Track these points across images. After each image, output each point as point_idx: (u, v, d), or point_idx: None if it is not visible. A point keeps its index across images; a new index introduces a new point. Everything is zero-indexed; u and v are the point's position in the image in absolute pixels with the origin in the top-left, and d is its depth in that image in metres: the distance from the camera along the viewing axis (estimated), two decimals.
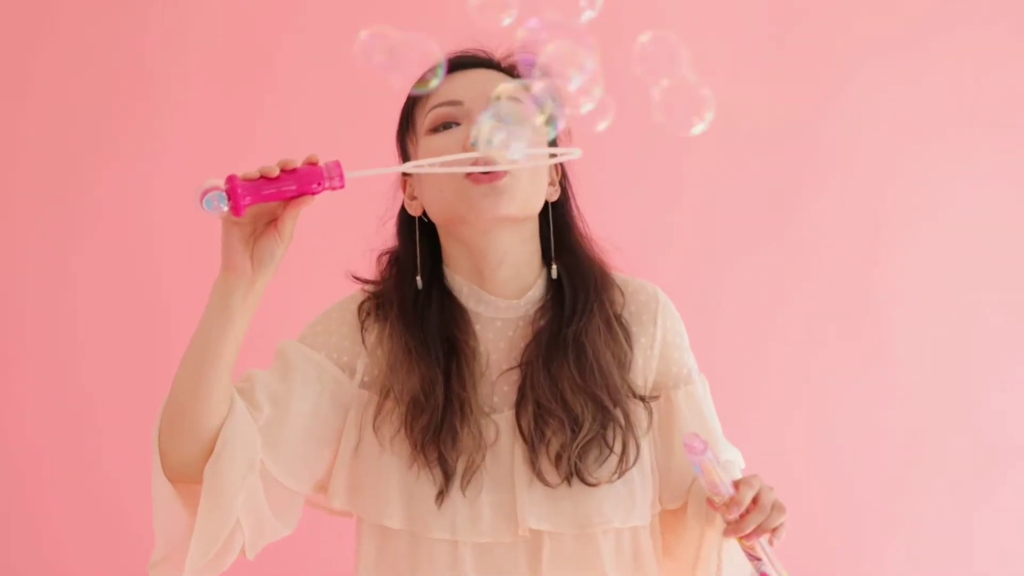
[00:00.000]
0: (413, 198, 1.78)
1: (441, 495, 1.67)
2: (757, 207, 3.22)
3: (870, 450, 3.20)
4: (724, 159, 3.20)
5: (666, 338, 1.79)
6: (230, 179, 1.47)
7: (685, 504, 1.76)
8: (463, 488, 1.67)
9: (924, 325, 3.22)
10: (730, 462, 1.81)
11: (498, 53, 1.79)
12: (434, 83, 1.61)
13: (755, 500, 1.61)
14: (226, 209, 1.46)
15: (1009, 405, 3.22)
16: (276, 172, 1.48)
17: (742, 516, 1.60)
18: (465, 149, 1.63)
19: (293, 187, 1.49)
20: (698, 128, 1.55)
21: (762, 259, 3.20)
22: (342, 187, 1.49)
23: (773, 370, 3.21)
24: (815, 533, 3.13)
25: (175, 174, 3.15)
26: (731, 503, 1.60)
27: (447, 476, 1.66)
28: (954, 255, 3.23)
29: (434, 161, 1.60)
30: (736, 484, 1.61)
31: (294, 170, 1.49)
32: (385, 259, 1.81)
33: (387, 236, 1.83)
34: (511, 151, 1.50)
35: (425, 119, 1.73)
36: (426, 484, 1.68)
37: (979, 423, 3.22)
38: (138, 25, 3.17)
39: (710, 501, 1.63)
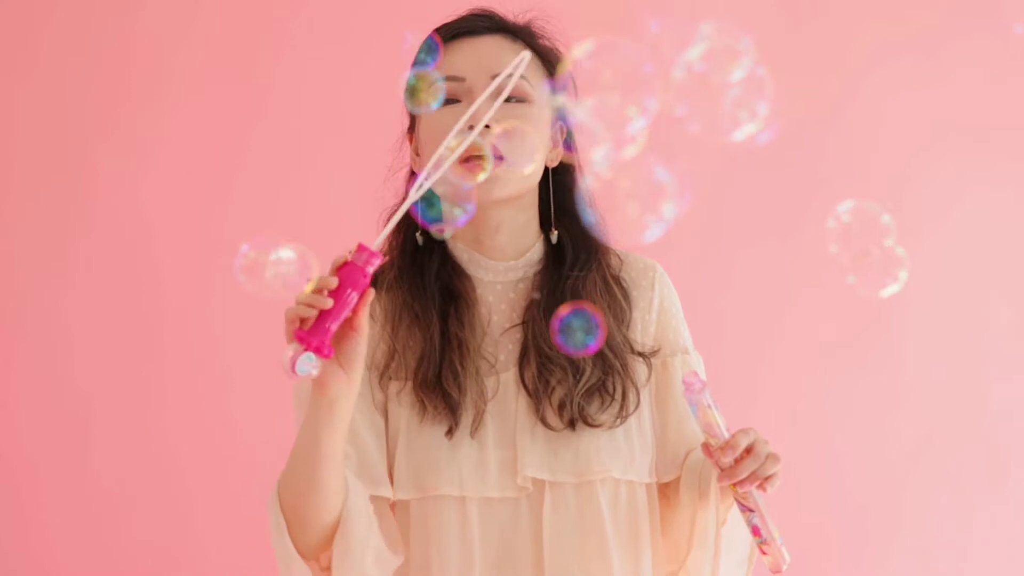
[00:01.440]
0: (418, 154, 1.79)
1: (450, 432, 1.69)
2: (764, 209, 3.22)
3: (876, 452, 3.19)
4: (734, 159, 3.19)
5: (663, 305, 1.83)
6: (301, 338, 1.46)
7: (678, 480, 1.78)
8: (472, 432, 1.70)
9: (932, 327, 3.22)
10: None
11: (513, 18, 1.79)
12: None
13: (749, 449, 1.62)
14: (317, 371, 1.47)
15: (1016, 407, 3.21)
16: (328, 303, 1.47)
17: (736, 462, 1.61)
18: (464, 132, 1.60)
19: (351, 298, 1.48)
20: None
21: (770, 260, 3.21)
22: (381, 259, 1.49)
23: (779, 370, 3.21)
24: (820, 535, 3.12)
25: (170, 173, 3.15)
26: (726, 447, 1.60)
27: (454, 412, 1.69)
28: (962, 257, 3.23)
29: (423, 179, 1.55)
30: (733, 432, 1.62)
31: (340, 285, 1.48)
32: (386, 217, 1.81)
33: (397, 189, 1.83)
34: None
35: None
36: (437, 429, 1.70)
37: (986, 425, 3.21)
38: (131, 21, 3.17)
39: (705, 446, 1.64)
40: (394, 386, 1.74)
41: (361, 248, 1.48)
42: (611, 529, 1.72)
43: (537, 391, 1.71)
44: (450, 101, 1.69)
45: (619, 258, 1.83)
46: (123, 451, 3.11)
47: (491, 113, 1.55)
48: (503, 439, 1.71)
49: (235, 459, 3.09)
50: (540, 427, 1.71)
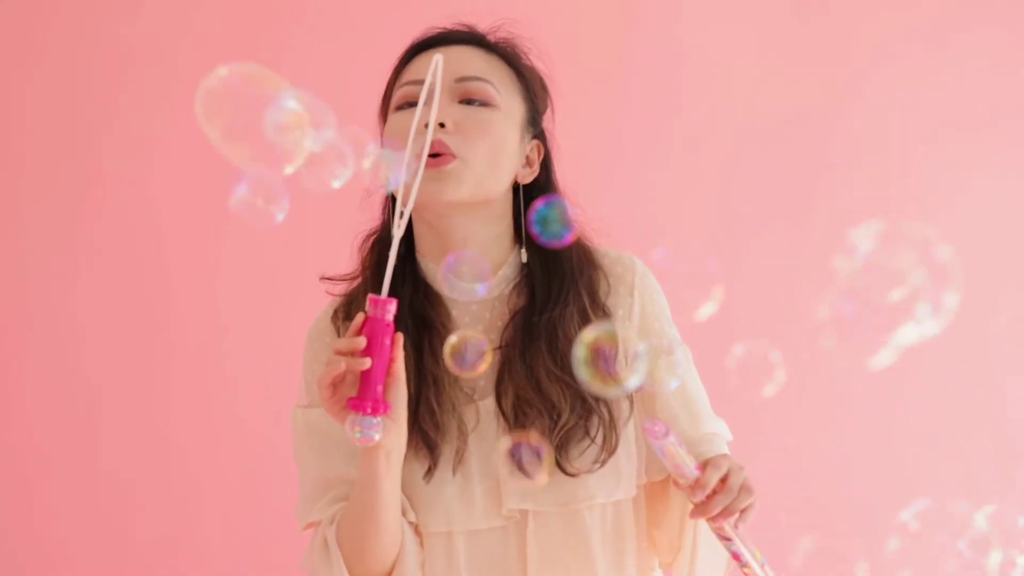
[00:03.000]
0: None
1: (430, 472, 1.67)
2: (769, 202, 3.21)
3: (882, 448, 3.19)
4: (741, 151, 3.20)
5: (644, 309, 1.78)
6: (355, 407, 1.49)
7: (668, 478, 1.75)
8: (453, 470, 1.68)
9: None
10: (715, 435, 1.79)
11: (480, 27, 1.77)
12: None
13: (723, 481, 1.59)
14: (380, 433, 1.50)
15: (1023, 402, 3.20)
16: (367, 363, 1.49)
17: (708, 498, 1.59)
18: (419, 132, 1.58)
19: (384, 349, 1.50)
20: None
21: (776, 251, 3.20)
22: (395, 302, 1.51)
23: (785, 362, 3.18)
24: (825, 531, 3.11)
25: (177, 169, 3.15)
26: (696, 485, 1.58)
27: (431, 450, 1.67)
28: (969, 248, 3.21)
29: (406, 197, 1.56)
30: (703, 465, 1.60)
31: (369, 342, 1.50)
32: (369, 241, 1.80)
33: (374, 215, 1.82)
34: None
35: (394, 96, 1.73)
36: (417, 468, 1.68)
37: (994, 420, 3.20)
38: (137, 18, 3.18)
39: (675, 483, 1.62)
40: None
41: (374, 301, 1.50)
42: (599, 551, 1.71)
43: (517, 420, 1.68)
44: (412, 104, 1.68)
45: (596, 263, 1.77)
46: (130, 445, 3.12)
47: (421, 112, 1.56)
48: (487, 469, 1.69)
49: (241, 453, 3.10)
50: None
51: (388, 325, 1.49)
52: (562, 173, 1.82)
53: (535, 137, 1.77)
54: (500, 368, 1.70)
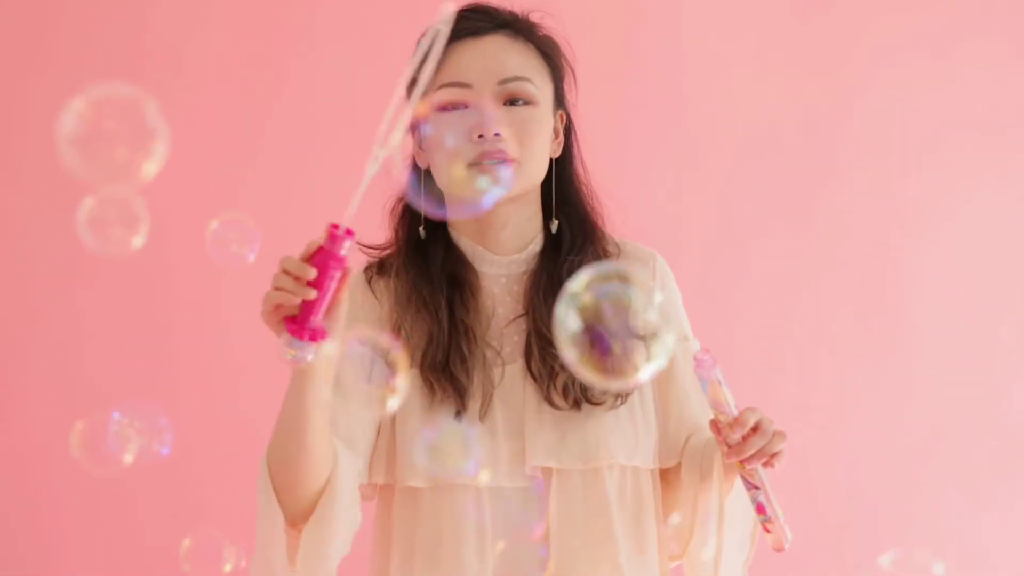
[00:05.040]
0: (422, 149, 1.79)
1: (459, 414, 1.71)
2: (776, 202, 3.21)
3: (887, 446, 3.18)
4: (745, 154, 3.20)
5: (664, 295, 1.84)
6: (291, 329, 1.47)
7: (679, 465, 1.80)
8: (481, 416, 1.71)
9: (942, 322, 3.21)
10: None
11: (515, 11, 1.80)
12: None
13: (756, 426, 1.62)
14: (313, 356, 1.48)
15: None
16: (312, 293, 1.46)
17: (744, 438, 1.61)
18: (470, 141, 1.67)
19: (332, 284, 1.47)
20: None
21: (781, 254, 3.20)
22: (352, 235, 1.46)
23: (790, 365, 3.19)
24: (831, 527, 3.12)
25: (182, 168, 3.12)
26: (735, 423, 1.61)
27: (461, 396, 1.71)
28: (974, 250, 3.23)
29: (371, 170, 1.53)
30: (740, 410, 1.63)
31: (320, 273, 1.46)
32: (399, 206, 1.84)
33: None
34: None
35: (436, 92, 1.74)
36: (446, 413, 1.72)
37: (998, 418, 3.20)
38: (143, 17, 3.18)
39: (714, 423, 1.64)
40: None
41: (332, 230, 1.46)
42: (617, 513, 1.74)
43: (542, 376, 1.73)
44: (457, 106, 1.71)
45: (617, 246, 1.85)
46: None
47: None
48: (512, 428, 1.73)
49: (245, 453, 3.08)
50: (547, 409, 1.73)
51: (341, 260, 1.46)
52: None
53: (558, 108, 1.83)
54: (527, 332, 1.76)
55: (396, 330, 1.77)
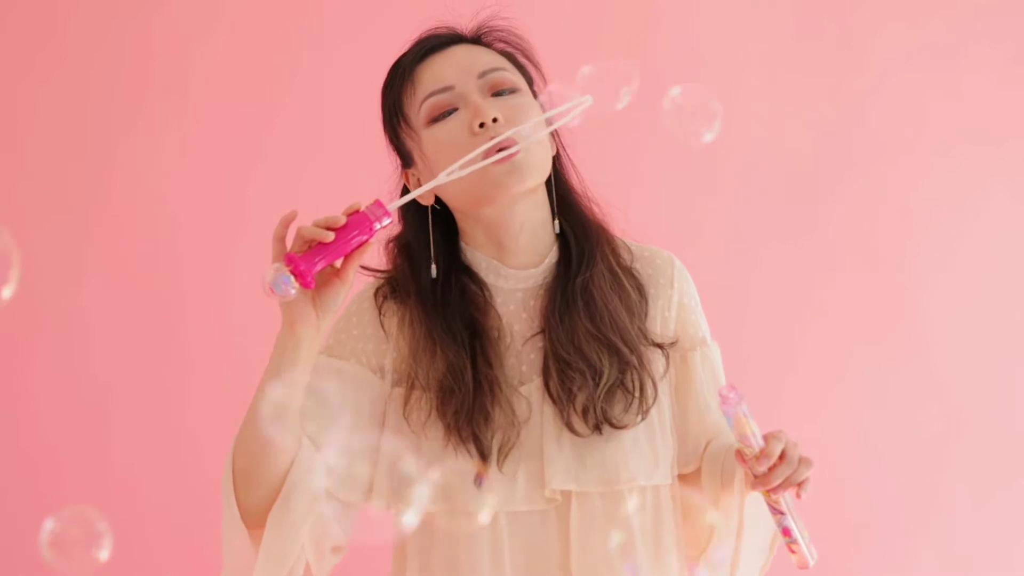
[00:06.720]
0: (421, 181, 1.77)
1: (479, 477, 1.68)
2: (789, 206, 3.21)
3: (902, 447, 3.18)
4: (757, 159, 3.20)
5: (682, 300, 1.82)
6: (290, 259, 1.49)
7: (698, 470, 1.78)
8: (500, 465, 1.69)
9: (954, 325, 3.21)
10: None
11: (468, 25, 1.79)
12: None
13: (782, 455, 1.61)
14: (295, 292, 1.49)
15: None
16: (330, 236, 1.51)
17: (770, 469, 1.61)
18: (472, 134, 1.65)
19: (351, 243, 1.52)
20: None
21: (795, 257, 3.20)
22: (390, 220, 1.53)
23: (804, 366, 3.20)
24: (848, 526, 3.12)
25: (192, 168, 3.14)
26: (761, 456, 1.60)
27: (484, 456, 1.68)
28: (986, 255, 3.23)
29: (455, 167, 1.60)
30: (765, 437, 1.62)
31: (345, 225, 1.52)
32: (393, 247, 1.81)
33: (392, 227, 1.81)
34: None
35: (420, 111, 1.72)
36: (463, 460, 1.69)
37: (1011, 421, 3.20)
38: (153, 19, 3.17)
39: (739, 453, 1.63)
40: (398, 392, 1.74)
41: (378, 203, 1.53)
42: (638, 532, 1.72)
43: (561, 399, 1.70)
44: (447, 112, 1.70)
45: (629, 250, 1.83)
46: (144, 443, 3.11)
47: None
48: (530, 451, 1.70)
49: None
50: (567, 434, 1.70)
51: (371, 229, 1.52)
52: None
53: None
54: (544, 347, 1.73)
55: (410, 381, 1.73)
